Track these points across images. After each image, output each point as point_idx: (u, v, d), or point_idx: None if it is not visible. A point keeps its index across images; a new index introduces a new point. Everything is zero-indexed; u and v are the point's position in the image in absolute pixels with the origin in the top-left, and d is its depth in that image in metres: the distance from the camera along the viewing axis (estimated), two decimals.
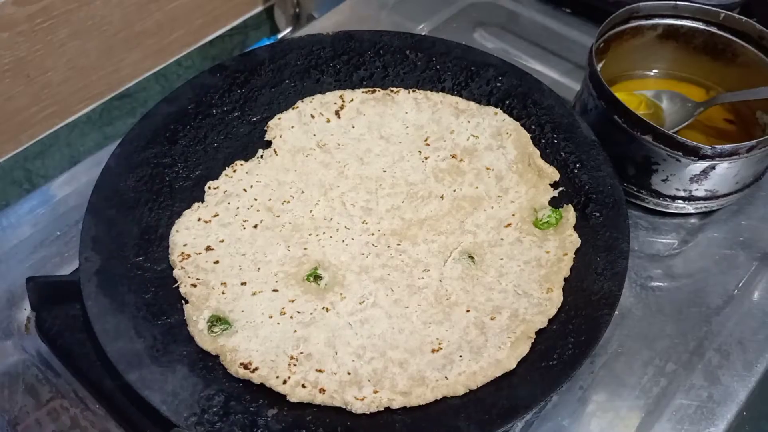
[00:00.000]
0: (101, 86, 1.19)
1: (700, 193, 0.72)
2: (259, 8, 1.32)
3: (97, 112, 1.20)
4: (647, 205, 0.75)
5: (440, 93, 0.77)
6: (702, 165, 0.69)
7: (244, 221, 0.68)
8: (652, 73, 0.84)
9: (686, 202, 0.73)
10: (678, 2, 0.78)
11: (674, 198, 0.73)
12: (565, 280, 0.63)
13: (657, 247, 0.74)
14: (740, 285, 0.71)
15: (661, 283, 0.72)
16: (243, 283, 0.64)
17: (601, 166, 0.68)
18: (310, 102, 0.77)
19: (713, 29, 0.79)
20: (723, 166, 0.69)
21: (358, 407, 0.56)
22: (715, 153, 0.67)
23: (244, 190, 0.70)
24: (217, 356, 0.60)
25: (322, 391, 0.57)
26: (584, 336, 0.59)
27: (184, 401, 0.56)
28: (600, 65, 0.78)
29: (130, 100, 1.23)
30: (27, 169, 1.14)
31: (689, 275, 0.72)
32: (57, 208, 0.78)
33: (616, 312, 0.64)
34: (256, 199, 0.70)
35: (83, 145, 1.18)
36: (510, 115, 0.74)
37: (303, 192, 0.70)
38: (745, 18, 0.77)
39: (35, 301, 0.66)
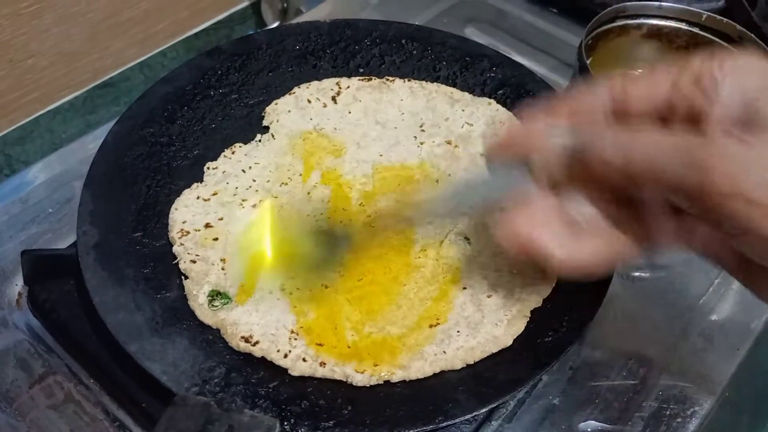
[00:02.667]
0: (85, 74, 1.18)
1: None
2: (246, 2, 1.32)
3: (80, 99, 1.19)
4: None
5: (435, 83, 0.79)
6: None
7: (243, 200, 0.68)
8: (636, 73, 0.87)
9: None
10: (663, 3, 0.81)
11: None
12: None
13: None
14: (722, 273, 0.74)
15: (645, 273, 0.74)
16: None
17: None
18: (307, 88, 0.78)
19: (695, 29, 0.82)
20: None
21: (359, 380, 0.57)
22: None
23: (243, 171, 0.71)
24: (217, 330, 0.60)
25: (322, 364, 0.58)
26: (578, 314, 0.60)
27: (185, 372, 0.56)
28: (588, 61, 0.80)
29: (114, 90, 1.23)
30: (7, 154, 1.13)
31: (672, 265, 0.75)
32: (48, 186, 0.78)
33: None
34: (254, 180, 0.70)
35: (65, 132, 1.17)
36: (503, 104, 0.76)
37: (300, 174, 0.71)
38: (726, 19, 0.80)
39: (29, 275, 0.66)
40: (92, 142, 0.84)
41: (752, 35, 0.78)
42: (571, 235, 0.47)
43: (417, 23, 0.99)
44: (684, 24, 0.82)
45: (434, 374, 0.58)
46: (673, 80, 0.45)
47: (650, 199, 0.45)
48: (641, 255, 0.49)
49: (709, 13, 0.80)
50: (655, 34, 0.83)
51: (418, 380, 0.58)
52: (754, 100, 0.42)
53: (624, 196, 0.46)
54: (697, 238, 0.45)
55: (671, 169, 0.41)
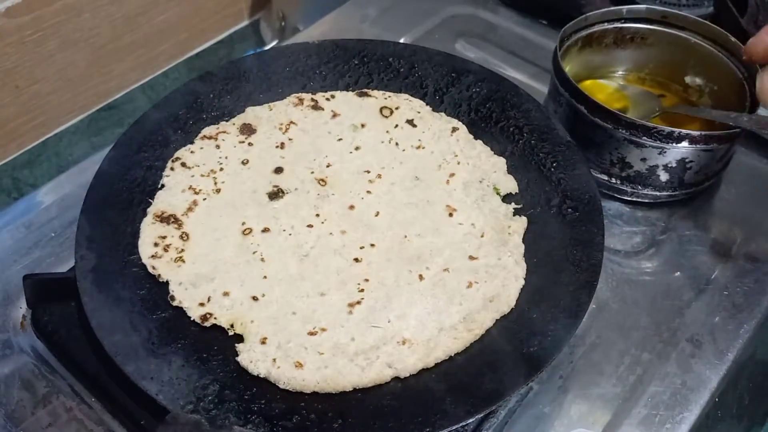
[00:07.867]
0: (89, 97, 1.21)
1: (664, 178, 0.77)
2: (245, 22, 1.35)
3: (85, 122, 1.22)
4: (618, 195, 0.80)
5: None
6: (664, 148, 0.74)
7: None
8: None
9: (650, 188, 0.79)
10: (588, 14, 0.84)
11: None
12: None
13: (631, 243, 0.78)
14: (711, 278, 0.75)
15: (635, 278, 0.75)
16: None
17: (577, 165, 0.72)
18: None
19: (620, 24, 0.86)
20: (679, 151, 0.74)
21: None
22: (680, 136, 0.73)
23: None
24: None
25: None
26: (563, 323, 0.61)
27: (180, 390, 0.58)
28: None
29: (118, 111, 1.25)
30: (15, 177, 1.16)
31: (662, 270, 0.76)
32: (50, 210, 0.80)
33: (594, 305, 0.68)
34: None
35: (71, 154, 1.20)
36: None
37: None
38: (646, 6, 0.84)
39: (31, 298, 0.68)
40: (98, 164, 0.86)
41: (674, 11, 0.83)
42: None
43: (410, 38, 1.01)
44: (606, 23, 0.85)
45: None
46: None
47: None
48: None
49: (629, 7, 0.84)
50: (587, 42, 0.86)
51: (407, 393, 0.60)
52: None
53: None
54: None
55: None
